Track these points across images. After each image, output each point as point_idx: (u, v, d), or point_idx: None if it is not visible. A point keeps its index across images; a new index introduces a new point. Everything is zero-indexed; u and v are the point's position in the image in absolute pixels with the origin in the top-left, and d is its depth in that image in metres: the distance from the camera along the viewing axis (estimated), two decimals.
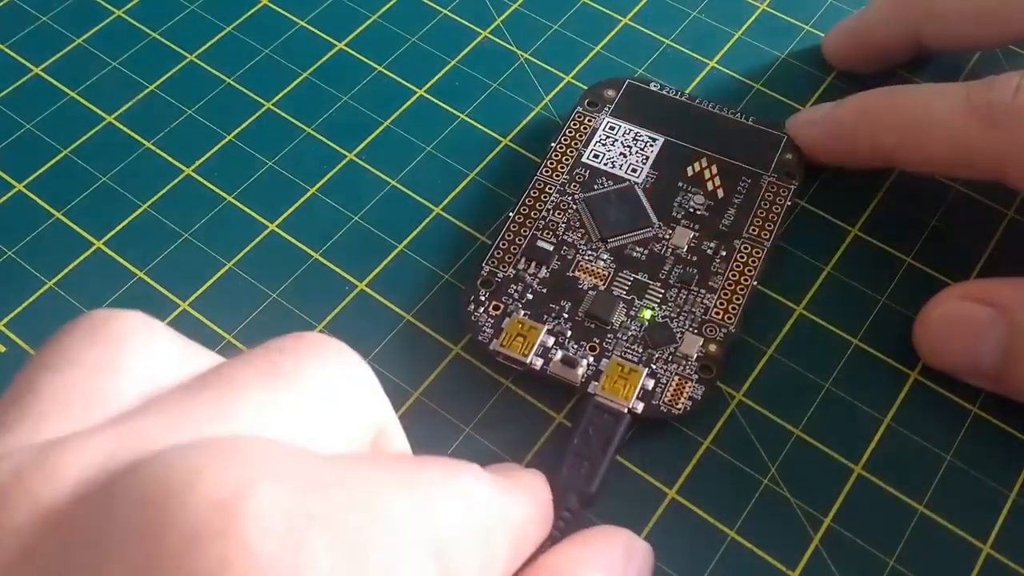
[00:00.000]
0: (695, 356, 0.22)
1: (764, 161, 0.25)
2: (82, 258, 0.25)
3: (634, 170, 0.25)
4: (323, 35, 0.29)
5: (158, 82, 0.28)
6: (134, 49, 0.29)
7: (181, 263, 0.24)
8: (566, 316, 0.23)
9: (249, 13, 0.30)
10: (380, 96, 0.28)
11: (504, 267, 0.23)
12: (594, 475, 0.20)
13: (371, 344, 0.23)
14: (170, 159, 0.26)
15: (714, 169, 0.25)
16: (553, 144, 0.25)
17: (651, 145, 0.25)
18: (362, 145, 0.27)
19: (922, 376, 0.23)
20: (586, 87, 0.27)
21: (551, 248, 0.24)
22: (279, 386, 0.13)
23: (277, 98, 0.28)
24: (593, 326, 0.22)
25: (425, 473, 0.13)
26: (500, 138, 0.27)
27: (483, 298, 0.23)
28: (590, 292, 0.23)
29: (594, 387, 0.22)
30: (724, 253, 0.24)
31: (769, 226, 0.24)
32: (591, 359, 0.22)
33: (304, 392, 0.13)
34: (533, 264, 0.23)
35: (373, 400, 0.15)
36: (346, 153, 0.26)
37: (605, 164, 0.25)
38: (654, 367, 0.22)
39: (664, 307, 0.23)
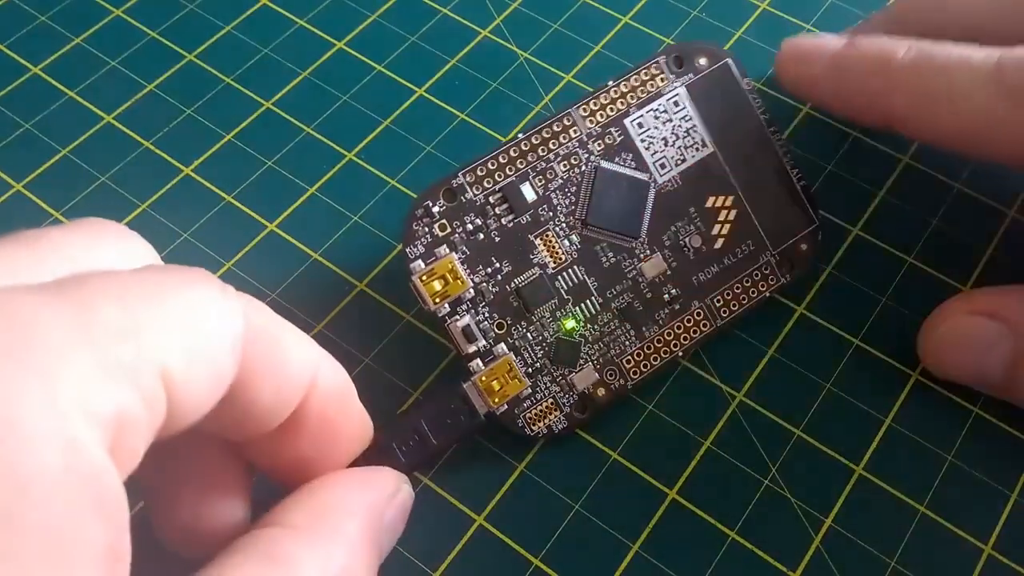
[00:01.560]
0: (580, 389, 0.21)
1: (778, 236, 0.23)
2: None
3: (663, 166, 0.22)
4: (323, 34, 0.29)
5: (157, 81, 0.28)
6: (133, 48, 0.29)
7: (180, 262, 0.24)
8: (500, 278, 0.21)
9: (248, 12, 0.29)
10: (380, 95, 0.28)
11: (477, 190, 0.21)
12: (418, 458, 0.20)
13: (371, 344, 0.23)
14: (169, 159, 0.26)
15: (732, 215, 0.23)
16: (611, 83, 0.22)
17: (697, 149, 0.23)
18: (362, 144, 0.27)
19: (923, 377, 0.23)
20: (673, 42, 0.24)
21: (531, 200, 0.22)
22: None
23: (276, 97, 0.28)
24: (516, 304, 0.21)
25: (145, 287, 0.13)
26: (501, 138, 0.27)
27: (436, 210, 0.21)
28: (536, 269, 0.21)
29: (476, 367, 0.21)
30: (677, 307, 0.22)
31: (734, 306, 0.22)
32: (492, 336, 0.21)
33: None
34: (505, 206, 0.22)
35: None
36: (346, 153, 0.26)
37: (643, 141, 0.22)
38: (540, 379, 0.21)
39: (588, 327, 0.22)
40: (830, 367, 0.23)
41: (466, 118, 0.27)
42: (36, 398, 0.11)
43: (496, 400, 0.21)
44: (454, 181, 0.21)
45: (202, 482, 0.17)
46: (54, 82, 0.28)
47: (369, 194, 0.26)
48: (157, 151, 0.26)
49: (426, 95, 0.28)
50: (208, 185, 0.26)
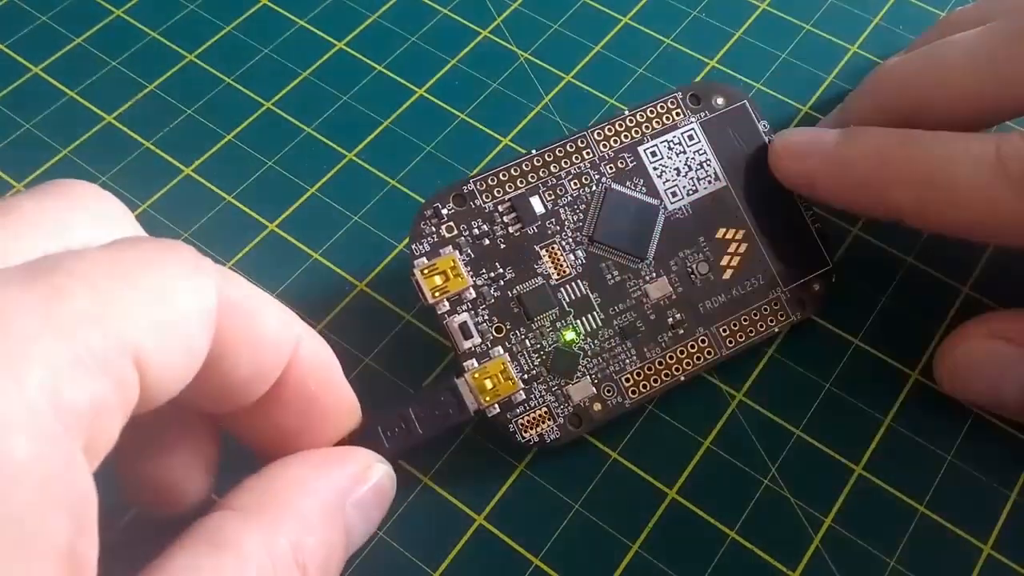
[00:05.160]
0: (575, 402, 0.21)
1: (790, 274, 0.23)
2: None
3: (674, 195, 0.23)
4: (323, 35, 0.29)
5: (157, 81, 0.28)
6: (134, 48, 0.29)
7: None
8: (501, 284, 0.21)
9: (249, 12, 0.29)
10: (380, 96, 0.28)
11: (486, 197, 0.22)
12: (402, 444, 0.19)
13: (371, 344, 0.23)
14: (169, 159, 0.26)
15: (742, 248, 0.23)
16: (627, 112, 0.23)
17: (710, 182, 0.23)
18: (362, 145, 0.27)
19: (922, 376, 0.23)
20: (694, 83, 0.25)
21: (540, 212, 0.22)
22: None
23: (277, 98, 0.28)
24: (516, 310, 0.21)
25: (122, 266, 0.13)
26: (500, 138, 0.27)
27: (445, 212, 0.21)
28: (539, 278, 0.21)
29: (469, 366, 0.20)
30: (681, 332, 0.22)
31: (740, 337, 0.22)
32: (490, 338, 0.21)
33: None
34: (513, 216, 0.22)
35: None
36: (346, 153, 0.26)
37: (655, 168, 0.23)
38: (535, 387, 0.21)
39: (588, 340, 0.21)
40: (830, 367, 0.23)
41: (466, 118, 0.27)
42: (6, 388, 0.11)
43: (487, 399, 0.20)
44: (465, 187, 0.21)
45: (168, 445, 0.17)
46: (54, 82, 0.28)
47: (369, 194, 0.26)
48: (157, 151, 0.26)
49: (426, 95, 0.28)
50: (208, 185, 0.26)
